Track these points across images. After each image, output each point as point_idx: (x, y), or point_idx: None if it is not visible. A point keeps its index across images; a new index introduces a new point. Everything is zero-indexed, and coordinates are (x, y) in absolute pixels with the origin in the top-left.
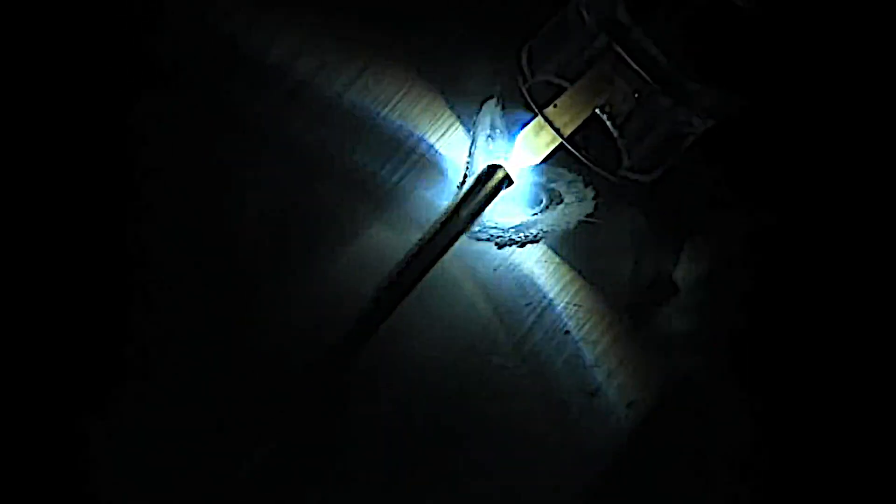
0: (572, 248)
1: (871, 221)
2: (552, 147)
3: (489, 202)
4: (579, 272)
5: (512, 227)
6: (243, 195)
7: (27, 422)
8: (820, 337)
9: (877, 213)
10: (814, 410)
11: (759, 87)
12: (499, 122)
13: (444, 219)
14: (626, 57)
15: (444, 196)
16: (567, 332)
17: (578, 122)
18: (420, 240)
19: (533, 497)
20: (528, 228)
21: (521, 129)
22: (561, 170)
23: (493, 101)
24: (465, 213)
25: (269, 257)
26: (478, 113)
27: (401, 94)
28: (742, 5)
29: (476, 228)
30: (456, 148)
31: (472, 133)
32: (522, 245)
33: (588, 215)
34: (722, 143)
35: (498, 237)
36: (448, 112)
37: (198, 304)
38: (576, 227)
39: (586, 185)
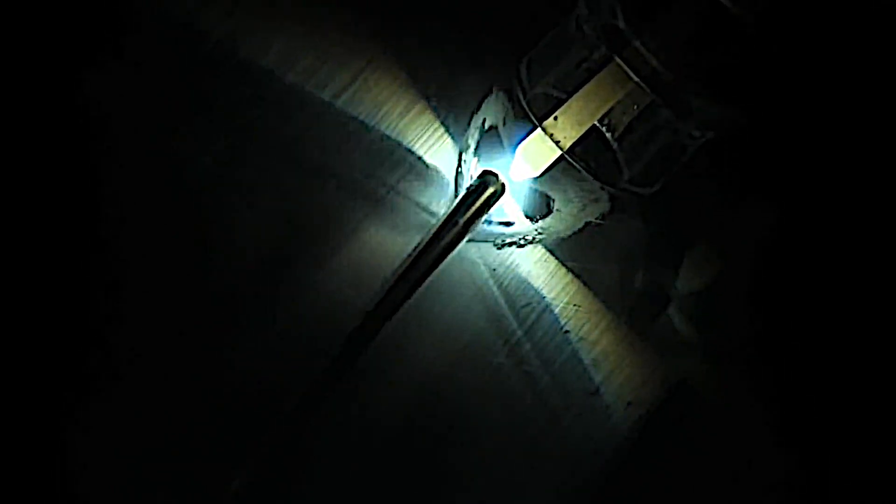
0: (573, 248)
1: (879, 225)
2: (552, 159)
3: (482, 214)
4: (579, 273)
5: (512, 228)
6: (232, 199)
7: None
8: (821, 336)
9: (885, 217)
10: (815, 410)
11: (761, 99)
12: (506, 111)
13: (436, 232)
14: (627, 69)
15: (440, 198)
16: (567, 332)
17: (578, 134)
18: (411, 253)
19: (532, 498)
20: (529, 229)
21: (520, 141)
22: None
23: (494, 96)
24: (458, 225)
25: (259, 264)
26: (476, 111)
27: (395, 99)
28: (735, 13)
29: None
30: (449, 152)
31: (466, 132)
32: (522, 246)
33: (600, 216)
34: (728, 147)
35: (498, 238)
36: (442, 118)
37: (184, 312)
38: (581, 229)
39: (601, 188)
